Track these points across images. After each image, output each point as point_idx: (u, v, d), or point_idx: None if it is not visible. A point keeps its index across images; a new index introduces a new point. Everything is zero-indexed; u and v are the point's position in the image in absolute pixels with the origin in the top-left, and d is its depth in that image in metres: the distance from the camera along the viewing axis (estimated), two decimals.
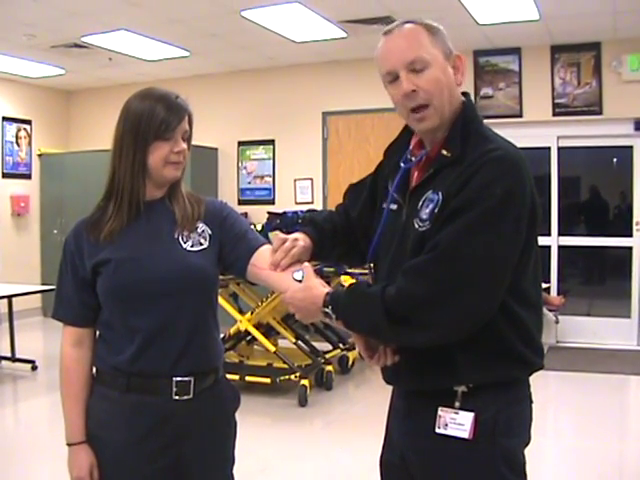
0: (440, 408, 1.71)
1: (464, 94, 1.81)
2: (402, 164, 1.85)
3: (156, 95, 1.91)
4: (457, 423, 1.68)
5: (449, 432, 1.69)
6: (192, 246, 1.94)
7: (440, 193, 1.67)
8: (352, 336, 1.82)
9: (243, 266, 1.96)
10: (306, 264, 1.85)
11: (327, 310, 1.70)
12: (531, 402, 1.81)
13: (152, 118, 1.86)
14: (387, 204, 1.86)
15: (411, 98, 1.72)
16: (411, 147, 1.87)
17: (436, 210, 1.66)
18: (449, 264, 1.58)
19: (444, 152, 1.72)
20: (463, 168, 1.65)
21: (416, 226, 1.70)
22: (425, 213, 1.69)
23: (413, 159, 1.83)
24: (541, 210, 1.73)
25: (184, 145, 1.92)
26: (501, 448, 1.69)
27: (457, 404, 1.69)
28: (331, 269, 5.64)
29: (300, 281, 1.80)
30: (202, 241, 1.96)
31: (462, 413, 1.68)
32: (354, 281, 5.04)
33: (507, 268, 1.62)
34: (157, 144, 1.88)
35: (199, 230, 1.97)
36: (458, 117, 1.75)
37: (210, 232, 1.98)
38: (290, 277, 1.84)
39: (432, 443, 1.72)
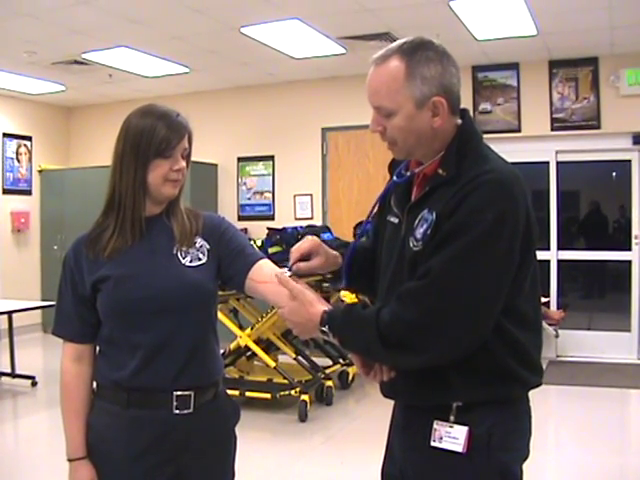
0: (436, 421, 1.72)
1: (462, 111, 1.80)
2: (395, 178, 1.88)
3: (157, 113, 1.92)
4: (452, 437, 1.69)
5: (444, 445, 1.70)
6: (191, 261, 1.95)
7: (434, 213, 1.68)
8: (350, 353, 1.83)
9: (241, 280, 1.97)
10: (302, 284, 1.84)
11: (324, 329, 1.72)
12: (530, 417, 1.80)
13: (153, 136, 1.87)
14: (364, 222, 1.94)
15: (380, 134, 1.77)
16: (408, 162, 1.89)
17: (429, 231, 1.68)
18: (441, 292, 1.60)
19: (440, 171, 1.73)
20: (457, 189, 1.65)
21: (411, 245, 1.72)
22: (419, 232, 1.70)
23: (408, 174, 1.85)
24: (537, 228, 1.74)
25: (183, 163, 1.94)
26: (497, 462, 1.69)
27: (452, 418, 1.70)
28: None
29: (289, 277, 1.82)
30: (200, 256, 1.97)
31: (456, 427, 1.69)
32: (353, 297, 5.03)
33: (500, 293, 1.63)
34: (157, 162, 1.89)
35: (197, 245, 1.98)
36: (454, 139, 1.75)
37: (208, 247, 1.99)
38: (287, 292, 1.83)
39: (428, 456, 1.73)
